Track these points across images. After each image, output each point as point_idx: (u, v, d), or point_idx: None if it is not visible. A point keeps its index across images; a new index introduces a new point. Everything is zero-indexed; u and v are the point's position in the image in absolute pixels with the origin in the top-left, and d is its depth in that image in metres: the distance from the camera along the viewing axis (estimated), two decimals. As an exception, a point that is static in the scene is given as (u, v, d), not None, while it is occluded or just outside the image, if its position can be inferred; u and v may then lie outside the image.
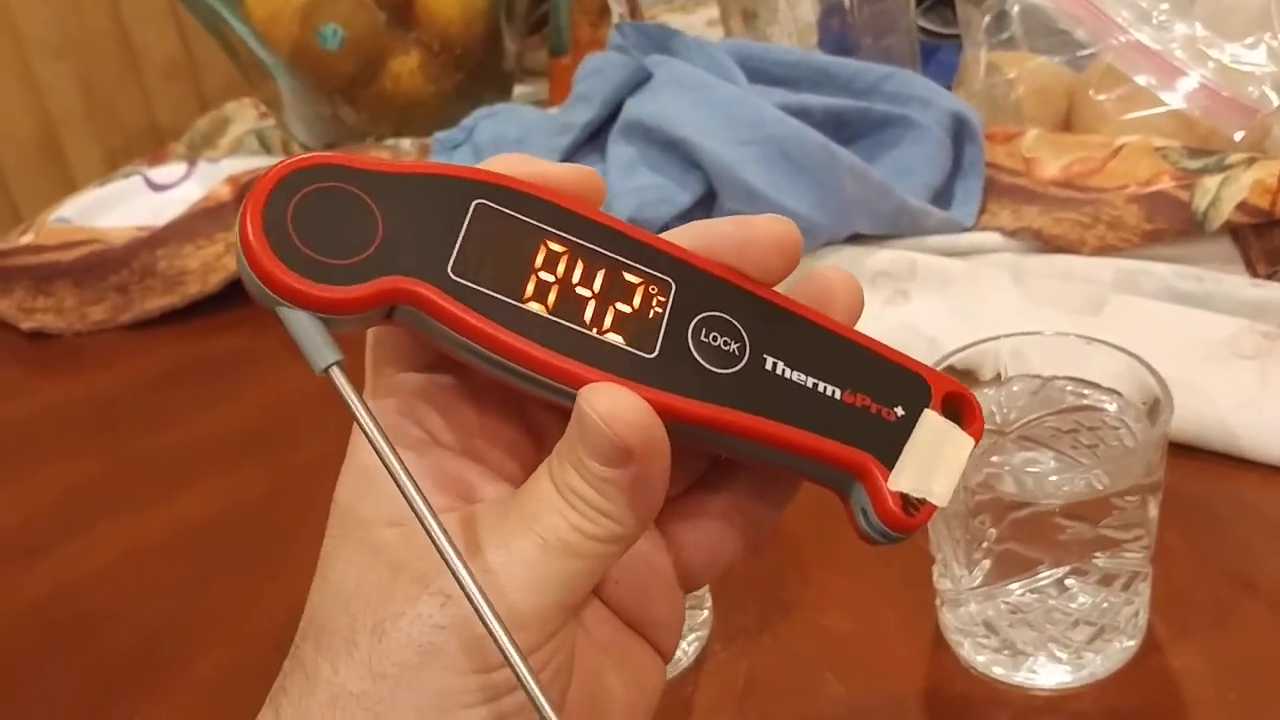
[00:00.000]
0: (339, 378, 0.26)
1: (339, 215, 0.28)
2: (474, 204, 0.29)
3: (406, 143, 0.81)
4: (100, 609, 0.60)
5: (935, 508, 0.30)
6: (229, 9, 0.88)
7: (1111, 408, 0.50)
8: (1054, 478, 0.47)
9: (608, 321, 0.29)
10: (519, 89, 1.05)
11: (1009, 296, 0.66)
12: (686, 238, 0.31)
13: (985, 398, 0.52)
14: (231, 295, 0.83)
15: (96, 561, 0.63)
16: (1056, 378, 0.51)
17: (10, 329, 0.86)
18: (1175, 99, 0.74)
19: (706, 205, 0.73)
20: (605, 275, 0.29)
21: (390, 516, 0.29)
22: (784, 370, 0.30)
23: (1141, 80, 0.75)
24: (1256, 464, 0.57)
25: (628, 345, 0.29)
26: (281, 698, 0.29)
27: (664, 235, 0.31)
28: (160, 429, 0.74)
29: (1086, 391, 0.51)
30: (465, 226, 0.28)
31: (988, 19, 0.83)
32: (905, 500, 0.30)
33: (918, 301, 0.68)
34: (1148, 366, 0.48)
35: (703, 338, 0.30)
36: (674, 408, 0.28)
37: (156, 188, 0.97)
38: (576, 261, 0.29)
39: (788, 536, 0.57)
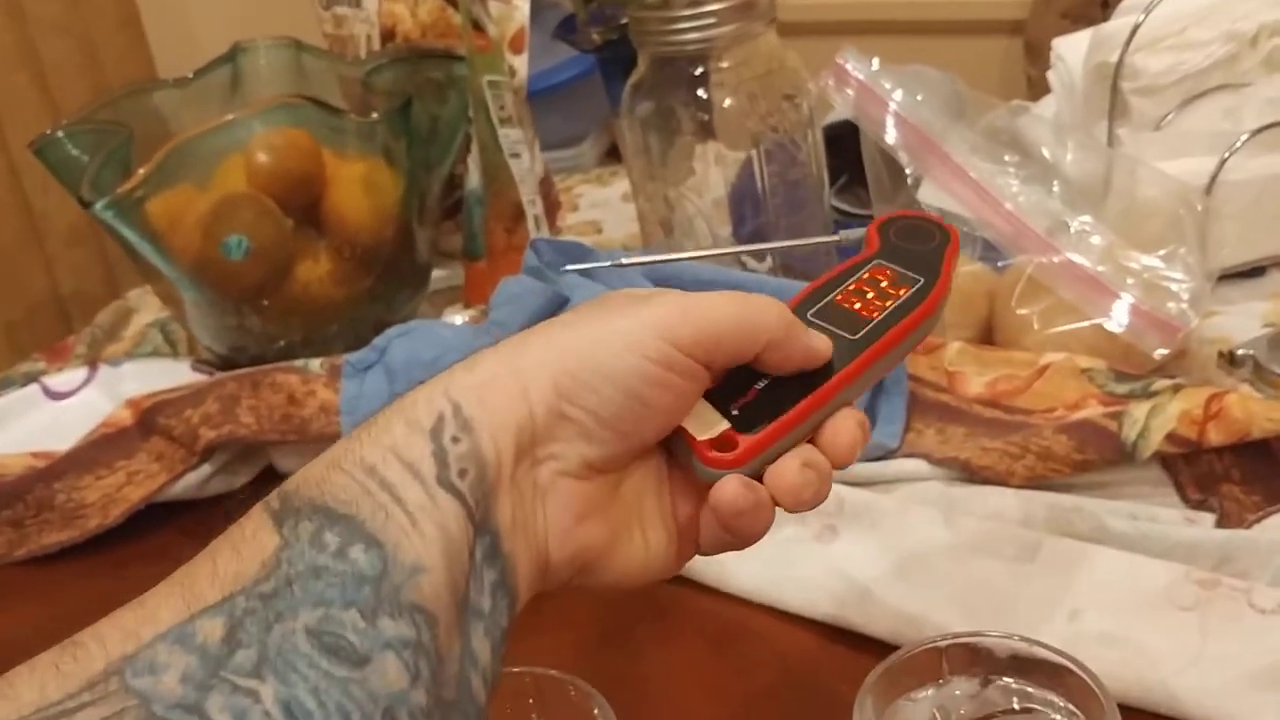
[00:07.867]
0: None
1: None
2: None
3: (316, 363, 0.78)
4: None
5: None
6: (125, 220, 0.84)
7: (1056, 717, 0.48)
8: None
9: None
10: (436, 273, 1.03)
11: (940, 540, 0.64)
12: None
13: (926, 699, 0.50)
14: (134, 527, 0.79)
15: None
16: (997, 679, 0.50)
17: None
18: (1099, 315, 0.73)
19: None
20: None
21: None
22: None
23: (1065, 295, 0.74)
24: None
25: None
26: None
27: None
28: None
29: (1031, 690, 0.50)
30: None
31: (905, 222, 0.82)
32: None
33: (846, 540, 0.66)
34: (1090, 677, 0.47)
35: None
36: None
37: (54, 395, 0.93)
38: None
39: None
